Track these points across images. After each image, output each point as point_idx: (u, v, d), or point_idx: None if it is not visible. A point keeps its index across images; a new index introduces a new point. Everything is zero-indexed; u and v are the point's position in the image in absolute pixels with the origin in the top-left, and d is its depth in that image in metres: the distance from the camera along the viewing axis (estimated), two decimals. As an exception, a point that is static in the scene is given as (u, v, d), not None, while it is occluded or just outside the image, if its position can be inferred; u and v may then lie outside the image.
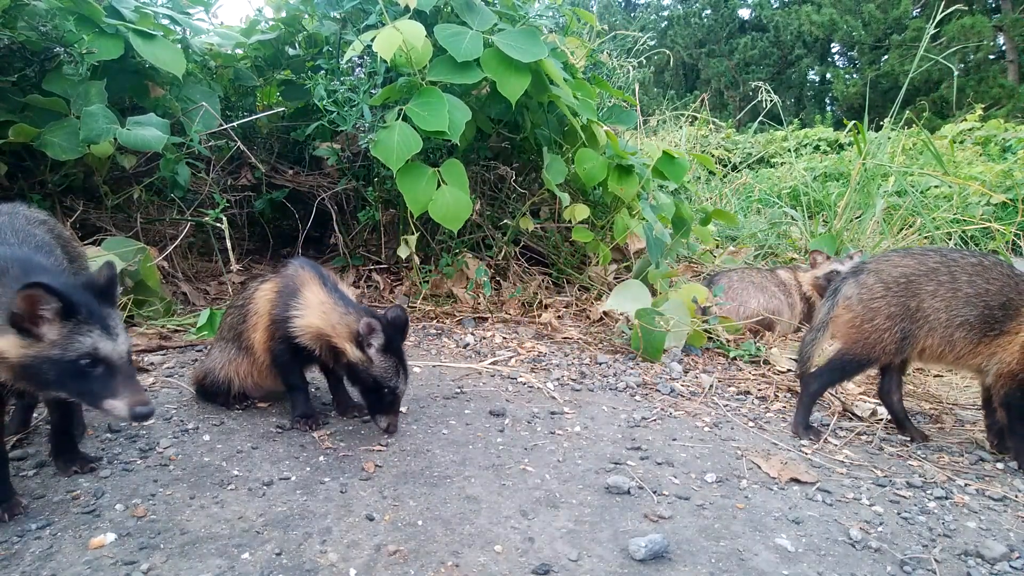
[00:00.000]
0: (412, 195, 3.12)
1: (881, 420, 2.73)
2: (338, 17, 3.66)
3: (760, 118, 7.41)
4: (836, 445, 2.45)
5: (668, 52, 9.92)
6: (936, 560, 1.71)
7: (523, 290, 3.86)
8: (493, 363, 3.05)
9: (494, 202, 4.14)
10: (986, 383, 2.43)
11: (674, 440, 2.35)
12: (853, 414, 2.81)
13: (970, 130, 10.41)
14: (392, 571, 1.50)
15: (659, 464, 2.14)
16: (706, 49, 27.51)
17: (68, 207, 3.41)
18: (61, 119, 2.95)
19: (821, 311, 2.57)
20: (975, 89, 18.51)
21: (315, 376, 2.49)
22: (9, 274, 1.49)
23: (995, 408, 2.41)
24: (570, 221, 3.81)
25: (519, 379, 2.86)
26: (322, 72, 3.48)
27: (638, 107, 5.35)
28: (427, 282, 3.74)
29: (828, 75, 25.86)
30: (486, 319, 3.66)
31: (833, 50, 27.35)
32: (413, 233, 3.57)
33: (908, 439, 2.56)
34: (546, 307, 3.84)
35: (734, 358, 3.44)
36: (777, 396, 2.96)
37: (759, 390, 3.00)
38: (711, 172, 7.73)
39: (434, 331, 3.45)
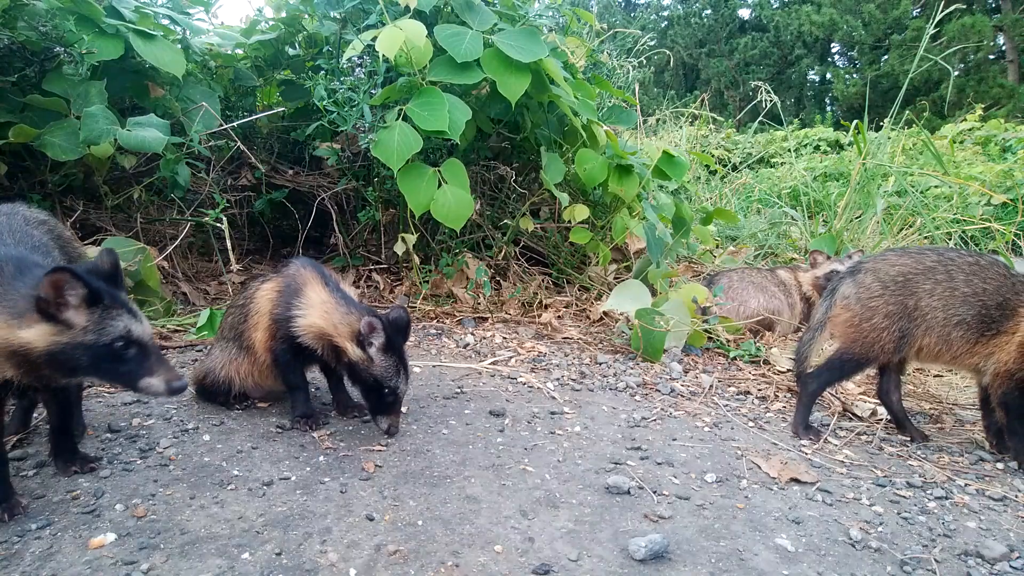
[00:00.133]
0: (413, 195, 3.12)
1: (881, 420, 2.73)
2: (338, 17, 3.66)
3: (760, 118, 7.41)
4: (836, 445, 2.45)
5: (668, 52, 9.91)
6: (936, 560, 1.71)
7: (523, 290, 3.86)
8: (493, 363, 3.05)
9: (494, 202, 4.14)
10: (983, 383, 2.43)
11: (674, 440, 2.35)
12: (853, 414, 2.81)
13: (970, 130, 10.42)
14: (392, 571, 1.50)
15: (659, 464, 2.14)
16: (706, 49, 27.53)
17: (68, 207, 3.41)
18: (61, 119, 2.95)
19: (819, 310, 2.57)
20: (975, 89, 18.52)
21: (315, 376, 2.49)
22: (5, 272, 1.50)
23: (993, 408, 2.41)
24: (570, 221, 3.81)
25: (519, 379, 2.86)
26: (322, 72, 3.48)
27: (638, 107, 5.34)
28: (427, 282, 3.74)
29: (828, 75, 25.88)
30: (486, 319, 3.66)
31: (833, 50, 27.36)
32: (413, 233, 3.58)
33: (908, 439, 2.56)
34: (546, 307, 3.84)
35: (734, 358, 3.44)
36: (777, 396, 2.96)
37: (759, 390, 3.00)
38: (711, 172, 7.74)
39: (434, 331, 3.45)
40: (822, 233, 5.48)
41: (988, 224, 5.50)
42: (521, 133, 3.88)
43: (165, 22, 3.57)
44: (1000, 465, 2.38)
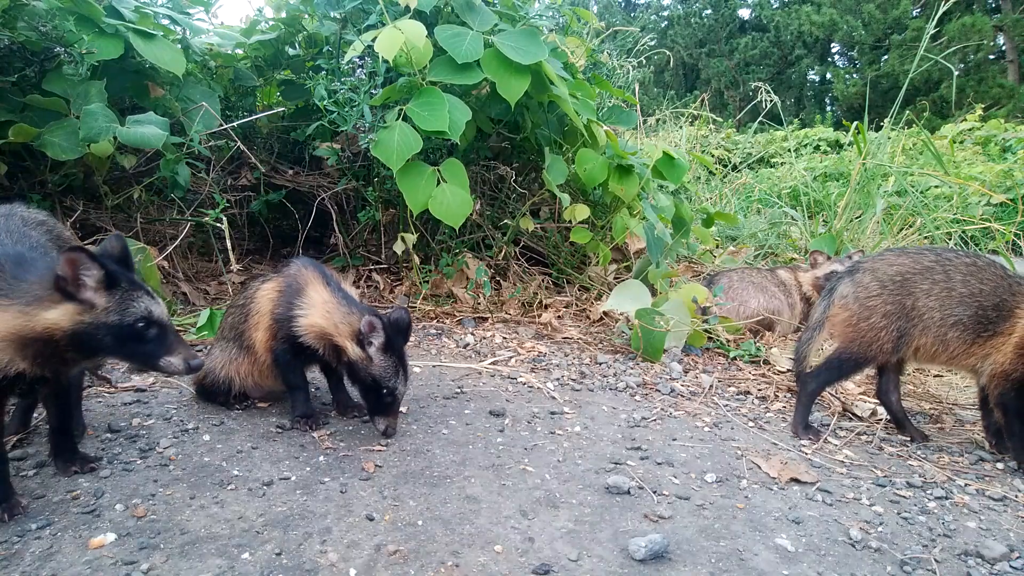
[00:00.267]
0: (412, 194, 3.12)
1: (881, 420, 2.73)
2: (338, 17, 3.66)
3: (760, 118, 7.41)
4: (836, 445, 2.45)
5: (668, 52, 9.91)
6: (936, 560, 1.71)
7: (523, 290, 3.86)
8: (493, 363, 3.05)
9: (494, 202, 4.14)
10: (981, 384, 2.43)
11: (674, 440, 2.35)
12: (853, 414, 2.81)
13: (970, 130, 10.43)
14: (392, 571, 1.50)
15: (659, 464, 2.14)
16: (706, 49, 27.54)
17: (68, 207, 3.41)
18: (61, 119, 2.95)
19: (817, 310, 2.57)
20: (975, 89, 18.53)
21: (315, 376, 2.49)
22: (5, 269, 1.53)
23: (992, 408, 2.41)
24: (570, 221, 3.81)
25: (519, 379, 2.86)
26: (322, 72, 3.48)
27: (638, 107, 5.34)
28: (427, 282, 3.74)
29: (828, 75, 25.90)
30: (486, 319, 3.66)
31: (833, 50, 27.38)
32: (413, 233, 3.58)
33: (908, 439, 2.56)
34: (546, 307, 3.84)
35: (734, 358, 3.44)
36: (777, 396, 2.96)
37: (759, 390, 3.00)
38: (711, 172, 7.74)
39: (434, 331, 3.45)
40: (822, 233, 5.48)
41: (988, 224, 5.50)
42: (521, 133, 3.88)
43: (165, 22, 3.57)
44: (1000, 465, 2.38)
